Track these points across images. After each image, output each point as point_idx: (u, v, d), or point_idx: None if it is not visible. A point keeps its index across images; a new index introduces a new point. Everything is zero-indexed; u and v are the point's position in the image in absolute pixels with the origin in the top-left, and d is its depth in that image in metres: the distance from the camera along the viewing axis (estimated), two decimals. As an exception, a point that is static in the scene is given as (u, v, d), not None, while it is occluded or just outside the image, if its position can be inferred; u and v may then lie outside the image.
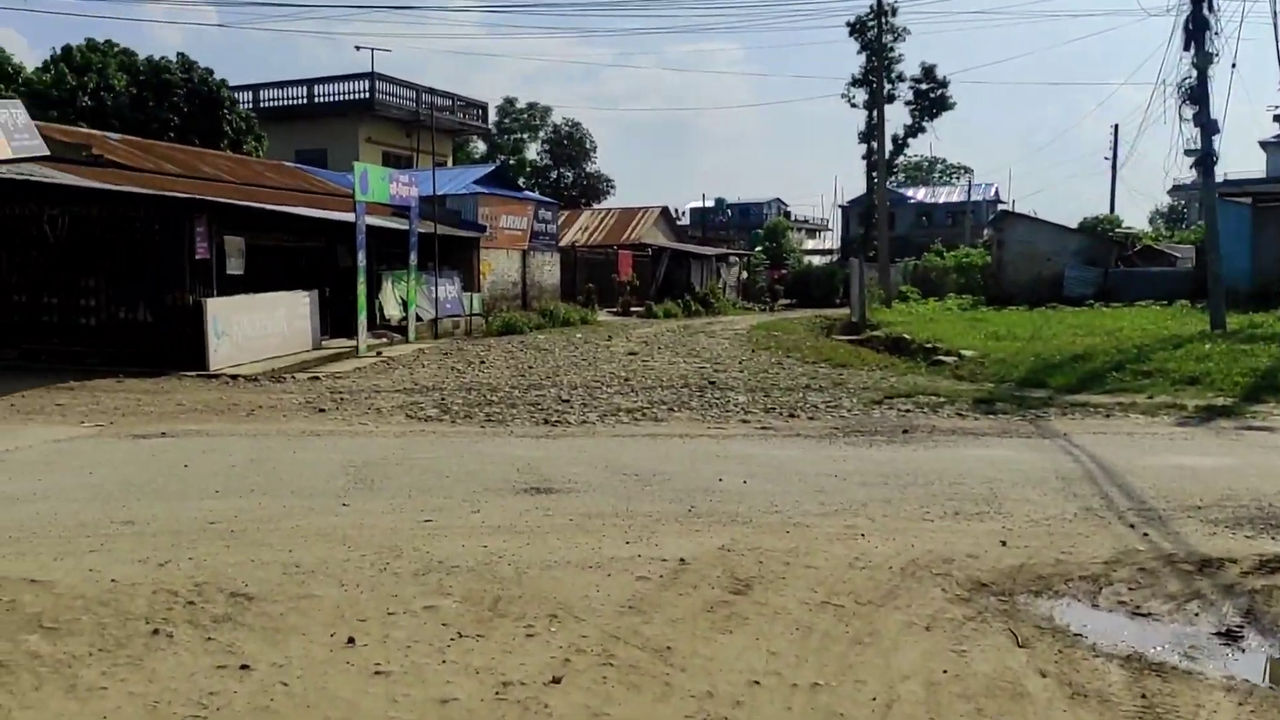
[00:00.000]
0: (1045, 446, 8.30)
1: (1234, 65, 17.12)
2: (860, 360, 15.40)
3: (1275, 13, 17.07)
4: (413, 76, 35.14)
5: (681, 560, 5.03)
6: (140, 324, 13.87)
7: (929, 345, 16.43)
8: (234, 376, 13.08)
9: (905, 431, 9.12)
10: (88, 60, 25.04)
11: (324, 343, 16.82)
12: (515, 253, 26.52)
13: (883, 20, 35.95)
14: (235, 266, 14.66)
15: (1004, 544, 5.34)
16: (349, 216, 16.75)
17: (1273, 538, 5.42)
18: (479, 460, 7.74)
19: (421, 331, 19.74)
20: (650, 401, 11.00)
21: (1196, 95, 16.17)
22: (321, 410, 10.39)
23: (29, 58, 30.11)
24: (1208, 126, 16.10)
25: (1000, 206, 66.41)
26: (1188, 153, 16.41)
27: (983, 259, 38.82)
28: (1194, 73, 16.05)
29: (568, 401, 10.95)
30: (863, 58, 38.48)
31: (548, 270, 28.44)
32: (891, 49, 37.45)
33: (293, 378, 13.22)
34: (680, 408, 10.59)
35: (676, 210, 53.11)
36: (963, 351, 14.81)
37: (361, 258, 16.41)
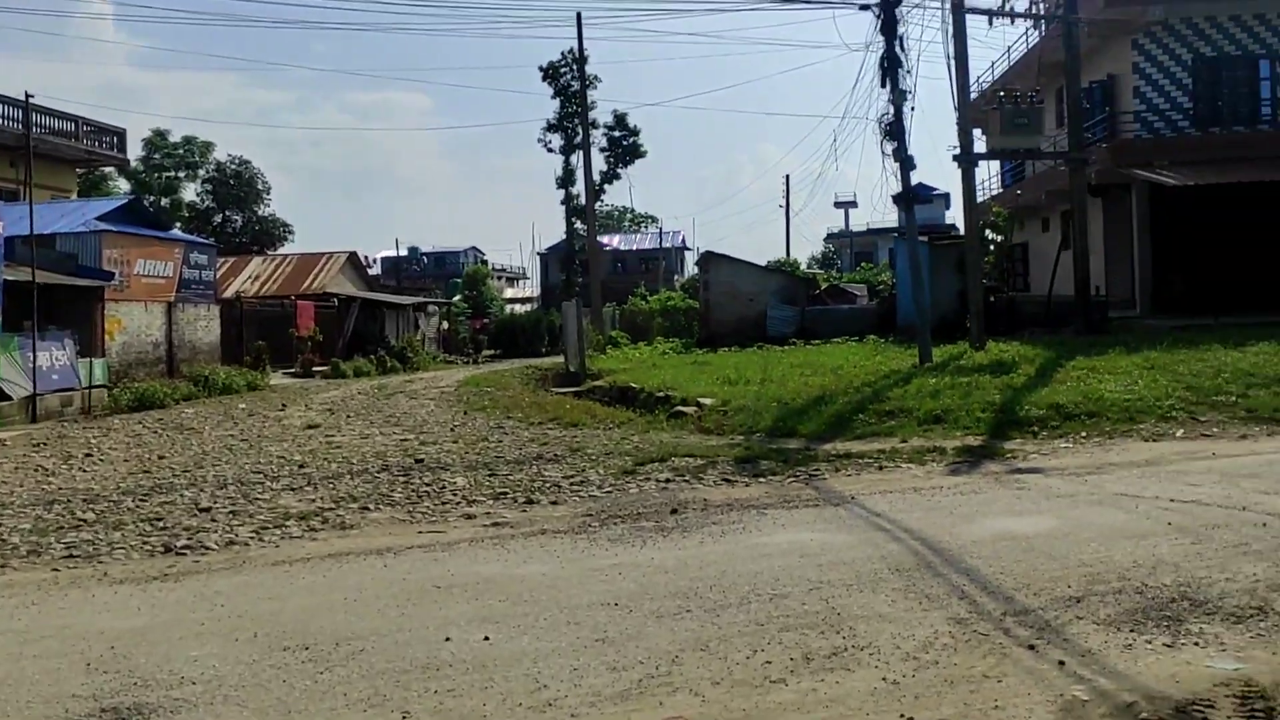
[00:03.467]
0: (845, 521, 6.72)
1: (912, 108, 17.65)
2: (592, 417, 13.46)
3: (948, 55, 17.92)
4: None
5: None
6: None
7: (661, 395, 14.97)
8: None
9: (675, 511, 7.24)
10: None
11: None
12: (157, 306, 21.96)
13: (583, 65, 35.40)
14: None
15: (907, 720, 3.47)
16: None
17: (1182, 634, 4.23)
18: (17, 650, 4.64)
19: (10, 414, 15.09)
20: (335, 498, 8.20)
21: (895, 131, 16.11)
22: None
23: None
24: (905, 162, 16.06)
25: (687, 253, 69.38)
26: (895, 199, 16.50)
27: (684, 301, 39.31)
28: (891, 109, 15.97)
29: (208, 510, 7.86)
30: (557, 103, 37.74)
31: (203, 326, 23.97)
32: (587, 97, 36.95)
33: None
34: (378, 503, 7.92)
35: (367, 258, 49.27)
36: (701, 400, 13.40)
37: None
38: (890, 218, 47.42)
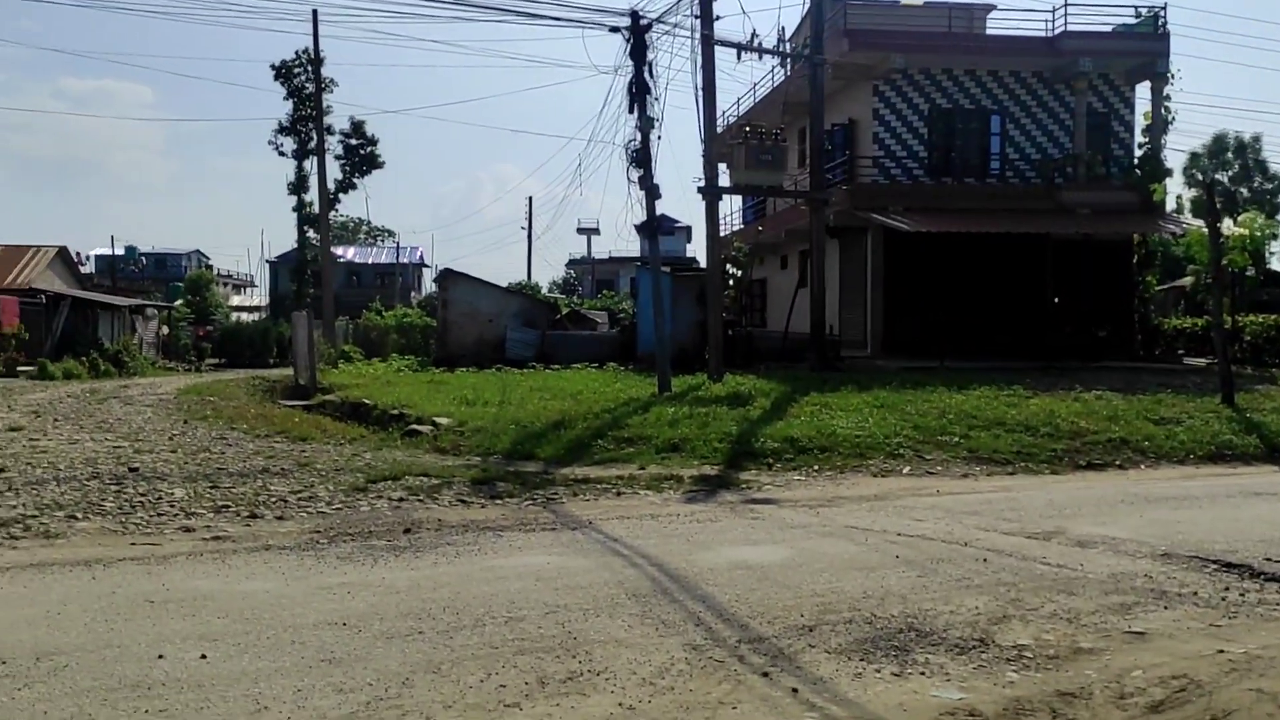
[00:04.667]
0: (583, 546, 6.99)
1: (659, 136, 17.89)
2: (322, 432, 12.98)
3: (697, 86, 17.70)
4: None
5: None
6: None
7: (396, 412, 14.67)
8: None
9: (408, 531, 7.21)
10: None
11: None
12: None
13: (319, 66, 33.95)
14: None
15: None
16: None
17: (909, 664, 4.52)
18: None
19: None
20: (39, 505, 7.46)
21: (641, 158, 16.30)
22: None
23: None
24: (651, 190, 16.33)
25: (425, 269, 67.99)
26: (639, 227, 16.88)
27: (421, 319, 38.58)
28: (639, 136, 16.17)
29: (-128, 515, 6.86)
30: (290, 105, 35.94)
31: None
32: (322, 102, 35.49)
33: None
34: (87, 512, 7.29)
35: (79, 254, 44.10)
36: (437, 419, 13.31)
37: None
38: (633, 246, 49.25)
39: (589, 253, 70.14)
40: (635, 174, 16.42)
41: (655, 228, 17.16)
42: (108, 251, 52.95)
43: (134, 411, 15.61)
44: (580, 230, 67.97)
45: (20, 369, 24.30)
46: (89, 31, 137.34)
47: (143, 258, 56.50)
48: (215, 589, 5.48)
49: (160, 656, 4.32)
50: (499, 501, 8.48)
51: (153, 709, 3.76)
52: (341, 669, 4.27)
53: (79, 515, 7.24)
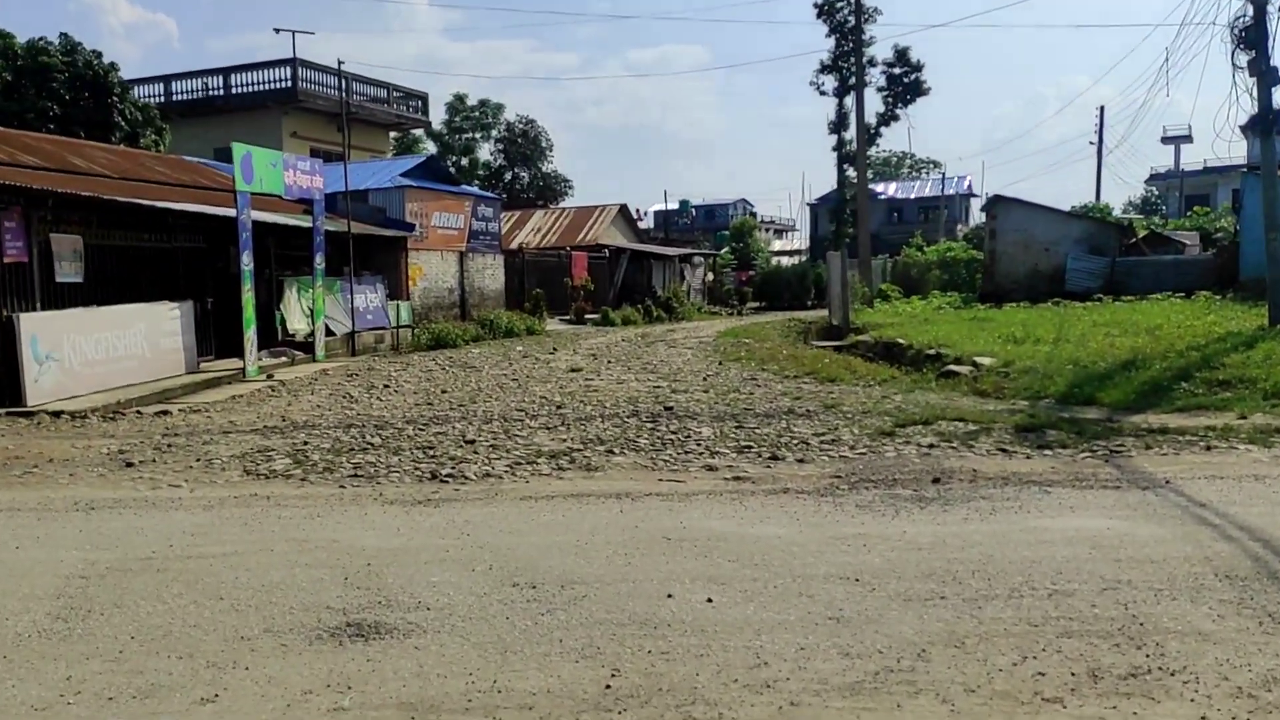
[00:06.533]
0: (1156, 509, 5.61)
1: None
2: (851, 373, 12.68)
3: None
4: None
5: None
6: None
7: (932, 352, 13.81)
8: (56, 414, 10.11)
9: (936, 481, 6.48)
10: (-48, 44, 21.70)
11: (206, 365, 13.83)
12: (451, 255, 23.56)
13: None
14: (68, 272, 11.61)
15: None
16: (234, 211, 13.75)
17: None
18: (294, 558, 4.91)
19: (335, 348, 16.76)
20: (584, 439, 8.20)
21: (1253, 37, 13.07)
22: (130, 464, 7.47)
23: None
24: (1266, 75, 13.07)
25: (973, 200, 64.38)
26: (1248, 125, 13.33)
27: (966, 252, 36.47)
28: (1250, 9, 13.01)
29: (472, 442, 8.12)
30: (831, 41, 36.02)
31: (489, 274, 25.48)
32: (862, 31, 34.96)
33: (137, 413, 10.31)
34: (624, 448, 7.80)
35: (639, 211, 50.34)
36: (978, 359, 12.17)
37: (247, 259, 13.45)
38: (1237, 152, 40.67)
39: (1176, 165, 60.22)
40: (1244, 58, 13.11)
41: (1271, 122, 13.39)
42: (663, 207, 59.17)
43: (675, 354, 16.85)
44: (1165, 139, 58.70)
45: (587, 316, 27.83)
46: (651, 2, 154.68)
47: (693, 210, 61.95)
48: (728, 530, 5.36)
49: (669, 596, 4.25)
50: (1047, 452, 7.31)
51: (655, 650, 3.64)
52: (849, 630, 3.81)
53: (616, 450, 7.73)
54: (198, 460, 7.56)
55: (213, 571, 4.66)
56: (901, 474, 6.73)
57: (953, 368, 12.17)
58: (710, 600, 4.19)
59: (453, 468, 7.10)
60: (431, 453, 7.69)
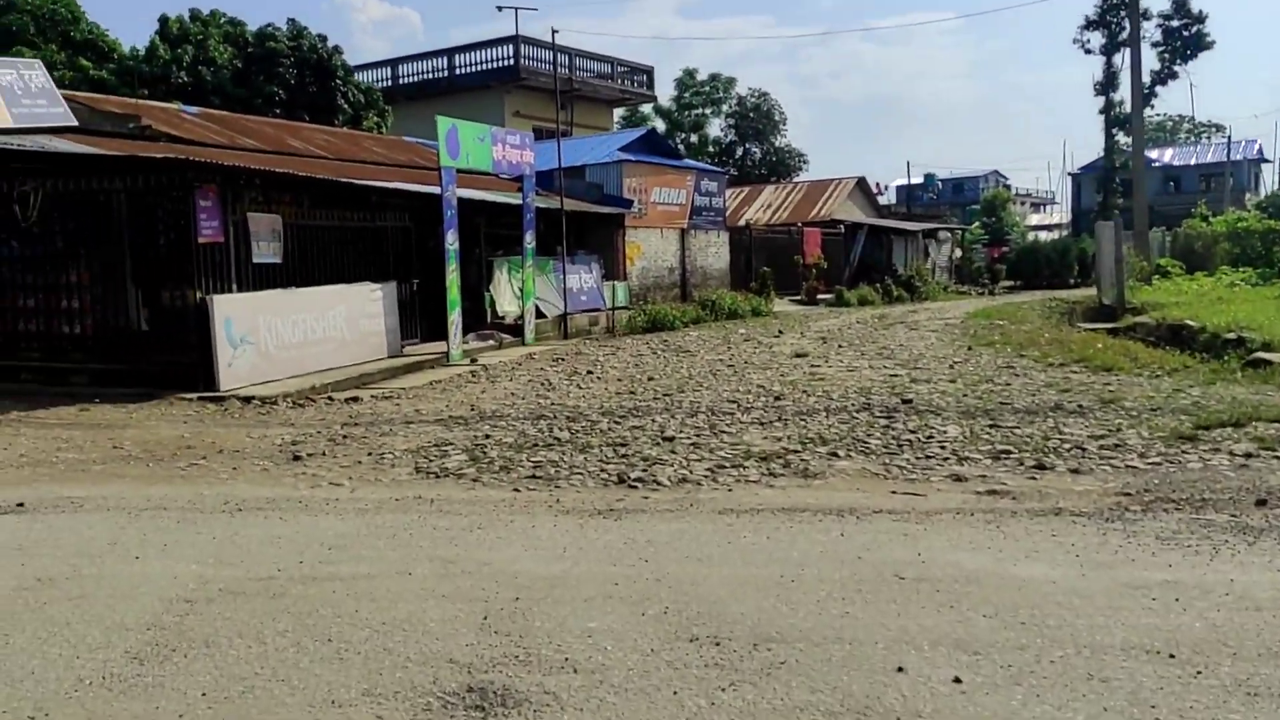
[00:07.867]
0: None
1: None
2: (1132, 360, 10.68)
3: None
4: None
5: None
6: (132, 331, 10.99)
7: (1231, 336, 11.58)
8: (247, 399, 9.91)
9: (1262, 503, 4.98)
10: (187, 31, 23.32)
11: (410, 348, 13.59)
12: (671, 232, 22.86)
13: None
14: (266, 252, 11.49)
15: None
16: (439, 189, 13.48)
17: None
18: (431, 585, 4.18)
19: (546, 331, 16.49)
20: (802, 438, 7.08)
21: None
22: (298, 458, 7.01)
23: (131, 33, 30.11)
24: None
25: (1265, 165, 56.32)
26: None
27: (1261, 223, 31.47)
28: None
29: (671, 439, 7.22)
30: (1097, -5, 32.16)
31: (713, 253, 24.59)
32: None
33: (328, 399, 10.04)
34: (850, 450, 6.63)
35: (879, 185, 47.68)
36: (1299, 346, 9.86)
37: (451, 238, 13.25)
38: None
39: None
40: None
41: None
42: (905, 181, 55.99)
43: (917, 337, 15.20)
44: None
45: (820, 297, 26.22)
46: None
47: (939, 183, 58.39)
48: (982, 568, 4.13)
49: (899, 670, 3.16)
50: None
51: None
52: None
53: (841, 452, 6.58)
54: (369, 454, 7.12)
55: (332, 601, 3.99)
56: (1213, 492, 5.24)
57: (1262, 355, 10.08)
58: (959, 681, 3.06)
59: (644, 470, 6.23)
60: (623, 450, 6.87)
